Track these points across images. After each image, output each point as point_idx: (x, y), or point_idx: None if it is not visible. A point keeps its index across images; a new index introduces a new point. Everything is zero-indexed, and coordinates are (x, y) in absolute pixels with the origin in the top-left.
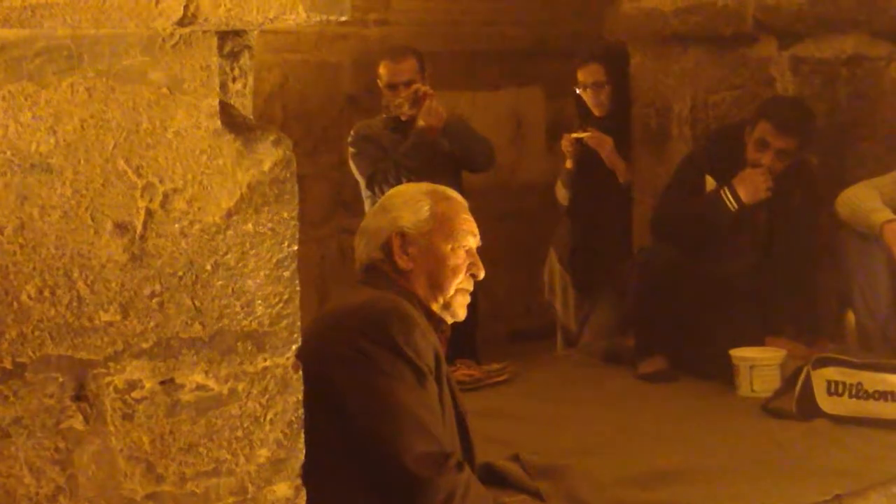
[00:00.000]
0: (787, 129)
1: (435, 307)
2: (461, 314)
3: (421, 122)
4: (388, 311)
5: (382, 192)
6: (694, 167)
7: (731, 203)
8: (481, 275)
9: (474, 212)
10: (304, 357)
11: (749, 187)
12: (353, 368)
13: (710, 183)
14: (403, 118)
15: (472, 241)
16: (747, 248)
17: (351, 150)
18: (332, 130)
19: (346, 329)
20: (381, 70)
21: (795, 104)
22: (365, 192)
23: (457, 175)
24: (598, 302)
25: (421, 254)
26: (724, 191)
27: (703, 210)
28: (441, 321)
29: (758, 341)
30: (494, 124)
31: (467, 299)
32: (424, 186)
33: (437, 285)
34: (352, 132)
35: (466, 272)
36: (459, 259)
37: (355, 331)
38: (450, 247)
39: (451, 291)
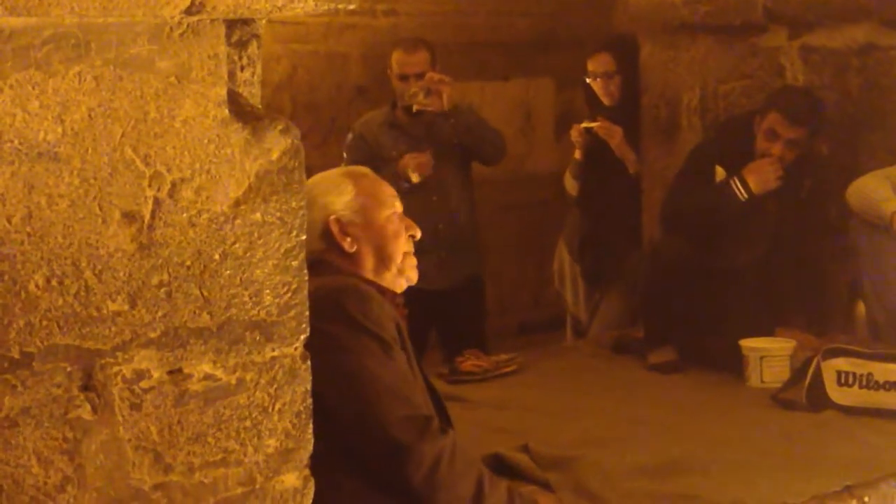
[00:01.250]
0: (797, 120)
1: (388, 279)
2: (414, 276)
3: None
4: (339, 288)
5: None
6: (703, 157)
7: (741, 193)
8: (418, 234)
9: (483, 202)
10: None
11: (759, 177)
12: (318, 354)
13: (720, 173)
14: (417, 108)
15: (399, 204)
16: (757, 239)
17: (347, 142)
18: (340, 121)
19: None
20: (393, 61)
21: (805, 94)
22: None
23: (466, 166)
24: (607, 293)
25: (362, 231)
26: (734, 180)
27: (712, 200)
28: (395, 296)
29: (768, 332)
30: (503, 115)
31: (414, 261)
32: (338, 170)
33: (385, 255)
34: (352, 127)
35: (406, 234)
36: (396, 225)
37: (312, 315)
38: (384, 215)
39: (399, 257)
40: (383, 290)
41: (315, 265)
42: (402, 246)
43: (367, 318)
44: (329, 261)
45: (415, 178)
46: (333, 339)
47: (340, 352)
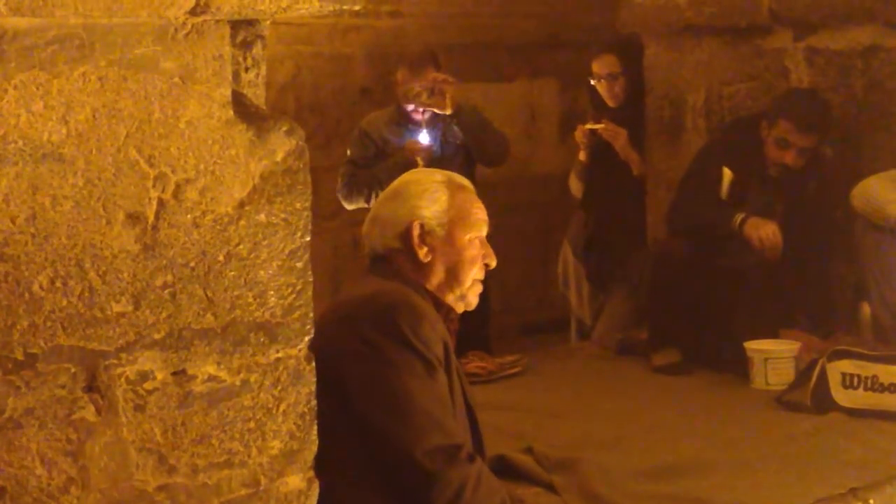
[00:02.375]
0: (809, 127)
1: (450, 298)
2: (474, 303)
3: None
4: (395, 302)
5: (349, 199)
6: (710, 160)
7: (736, 231)
8: (493, 264)
9: (487, 203)
10: (315, 351)
11: (758, 235)
12: (362, 361)
13: (727, 174)
14: (421, 108)
15: (485, 229)
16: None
17: (352, 137)
18: (345, 122)
19: (355, 321)
20: (399, 77)
21: (813, 99)
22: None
23: (470, 167)
24: (611, 294)
25: (440, 245)
26: (735, 220)
27: (714, 222)
28: (450, 311)
29: (772, 333)
30: (508, 116)
31: (480, 288)
32: (438, 174)
33: (455, 277)
34: (358, 125)
35: (481, 262)
36: (476, 250)
37: (363, 323)
38: (468, 238)
39: (469, 283)
40: (440, 304)
41: (379, 261)
42: (475, 272)
43: (416, 336)
44: (397, 262)
45: (421, 164)
46: (380, 352)
47: (384, 365)
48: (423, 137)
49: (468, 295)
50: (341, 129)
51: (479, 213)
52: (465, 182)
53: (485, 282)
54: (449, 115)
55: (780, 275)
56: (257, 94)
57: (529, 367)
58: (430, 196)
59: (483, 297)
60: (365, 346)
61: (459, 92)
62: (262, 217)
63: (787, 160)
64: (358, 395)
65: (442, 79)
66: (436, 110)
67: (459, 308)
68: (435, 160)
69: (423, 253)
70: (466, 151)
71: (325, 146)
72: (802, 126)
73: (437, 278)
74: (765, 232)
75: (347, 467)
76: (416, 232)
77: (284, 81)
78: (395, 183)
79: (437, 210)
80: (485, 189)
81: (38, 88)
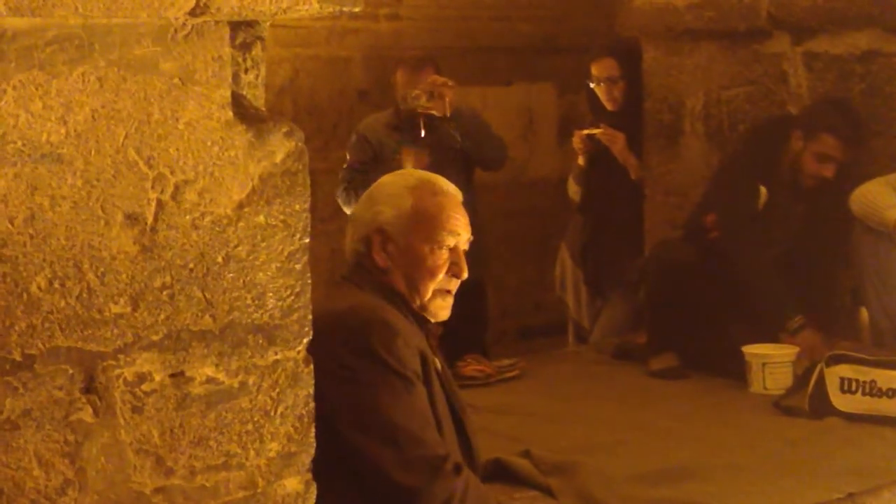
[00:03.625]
0: (852, 142)
1: (415, 307)
2: (441, 315)
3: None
4: (368, 320)
5: (348, 204)
6: (741, 172)
7: None
8: (463, 275)
9: (485, 208)
10: None
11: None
12: (338, 383)
13: (763, 193)
14: (420, 111)
15: (455, 240)
16: (777, 241)
17: (350, 142)
18: (342, 125)
19: (330, 341)
20: (398, 78)
21: (853, 112)
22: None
23: (468, 171)
24: (609, 298)
25: (399, 252)
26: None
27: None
28: (426, 319)
29: (771, 338)
30: (506, 120)
31: (448, 301)
32: (413, 178)
33: (413, 286)
34: (356, 128)
35: (448, 273)
36: (439, 260)
37: (338, 342)
38: (428, 248)
39: (428, 294)
40: (416, 312)
41: (355, 268)
42: (436, 283)
43: (390, 354)
44: (365, 266)
45: (424, 104)
46: (355, 373)
47: (360, 386)
48: (417, 145)
49: (429, 307)
50: (339, 131)
51: (448, 223)
52: (447, 188)
53: (483, 286)
54: (447, 119)
55: (779, 279)
56: (257, 96)
57: (527, 371)
58: (395, 201)
59: (481, 301)
60: (341, 367)
61: (458, 95)
62: (261, 219)
63: (826, 173)
64: (336, 416)
65: (441, 82)
66: (434, 113)
67: (428, 317)
68: (430, 166)
69: (381, 259)
70: (464, 156)
71: (322, 149)
72: (847, 141)
73: (398, 285)
74: (812, 342)
75: (330, 487)
76: (376, 238)
77: (282, 84)
78: (372, 186)
79: (398, 216)
80: (483, 193)
81: (37, 89)
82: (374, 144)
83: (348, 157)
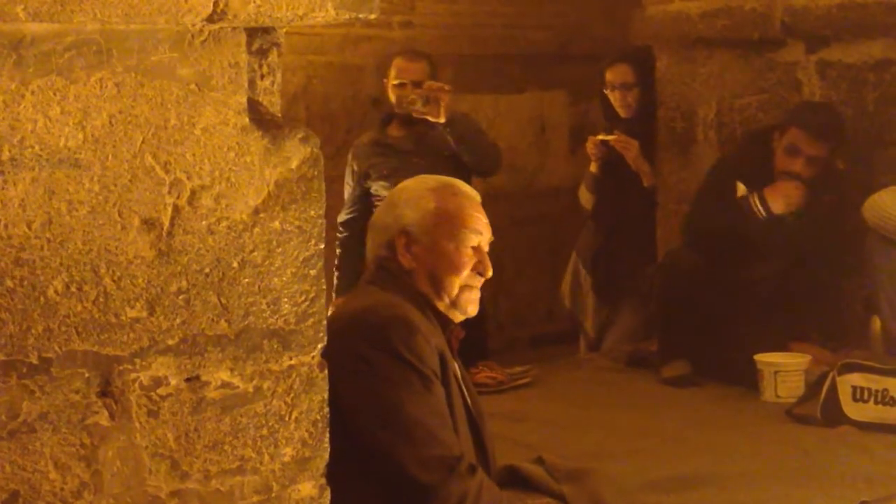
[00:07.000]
0: (820, 136)
1: (441, 306)
2: (471, 310)
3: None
4: (388, 317)
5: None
6: (724, 173)
7: (760, 211)
8: (488, 273)
9: (496, 215)
10: None
11: (780, 198)
12: (357, 378)
13: (741, 189)
14: (415, 115)
15: (478, 238)
16: (776, 253)
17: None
18: (355, 132)
19: (349, 338)
20: (393, 69)
21: (826, 110)
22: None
23: (462, 176)
24: (621, 306)
25: (424, 252)
26: (754, 199)
27: (732, 219)
28: (449, 320)
29: (782, 346)
30: (518, 128)
31: (476, 295)
32: (432, 181)
33: (439, 284)
34: (348, 154)
35: (473, 270)
36: (464, 257)
37: (358, 339)
38: (453, 245)
39: (455, 290)
40: (439, 313)
41: (377, 268)
42: (462, 279)
43: (410, 350)
44: (390, 269)
45: (419, 109)
46: (374, 368)
47: (379, 382)
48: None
49: (459, 301)
50: (351, 138)
51: (469, 222)
52: (463, 189)
53: (482, 298)
54: (441, 124)
55: (791, 288)
56: (273, 102)
57: (539, 379)
58: (417, 203)
59: (480, 312)
60: (360, 363)
61: (453, 101)
62: (277, 224)
63: (795, 168)
64: (354, 412)
65: (437, 87)
66: (430, 118)
67: (455, 316)
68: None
69: (406, 260)
70: (455, 162)
71: (334, 156)
72: (813, 133)
73: (423, 286)
74: (785, 188)
75: (346, 483)
76: (400, 241)
77: (295, 91)
78: (392, 192)
79: (421, 217)
80: (494, 201)
81: (55, 94)
82: (360, 172)
83: (345, 192)
